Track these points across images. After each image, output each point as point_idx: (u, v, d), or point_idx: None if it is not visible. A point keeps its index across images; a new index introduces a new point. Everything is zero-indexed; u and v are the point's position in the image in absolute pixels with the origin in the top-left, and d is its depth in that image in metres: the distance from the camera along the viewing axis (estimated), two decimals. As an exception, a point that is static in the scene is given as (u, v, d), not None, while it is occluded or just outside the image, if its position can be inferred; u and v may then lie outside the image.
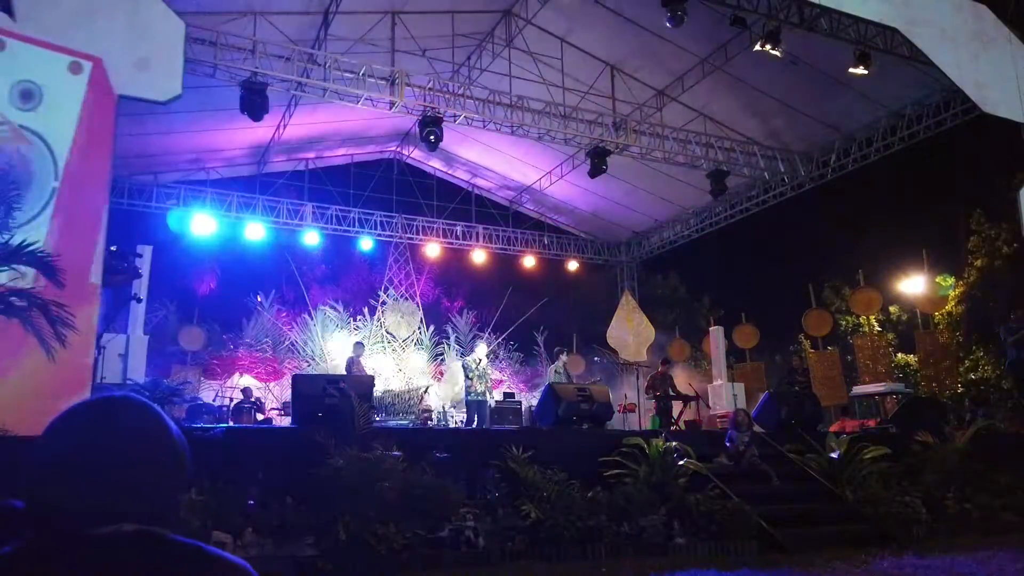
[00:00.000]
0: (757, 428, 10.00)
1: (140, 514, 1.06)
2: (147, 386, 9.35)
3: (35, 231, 6.62)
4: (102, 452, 1.07)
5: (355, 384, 8.37)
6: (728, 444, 9.02)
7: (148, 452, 1.10)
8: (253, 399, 12.88)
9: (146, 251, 11.46)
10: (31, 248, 5.61)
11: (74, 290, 6.47)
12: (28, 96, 6.84)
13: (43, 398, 6.55)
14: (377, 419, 10.36)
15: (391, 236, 18.64)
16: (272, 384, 15.74)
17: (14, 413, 5.96)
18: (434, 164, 19.58)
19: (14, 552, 1.03)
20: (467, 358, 12.28)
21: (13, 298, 5.49)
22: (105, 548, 1.02)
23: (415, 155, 19.33)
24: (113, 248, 8.41)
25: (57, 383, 6.56)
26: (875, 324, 19.46)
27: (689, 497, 7.48)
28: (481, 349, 12.31)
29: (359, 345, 13.61)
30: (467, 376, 11.77)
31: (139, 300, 11.01)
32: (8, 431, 5.85)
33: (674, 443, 8.23)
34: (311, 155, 18.20)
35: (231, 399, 13.08)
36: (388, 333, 17.48)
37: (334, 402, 7.70)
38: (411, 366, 17.02)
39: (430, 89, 13.18)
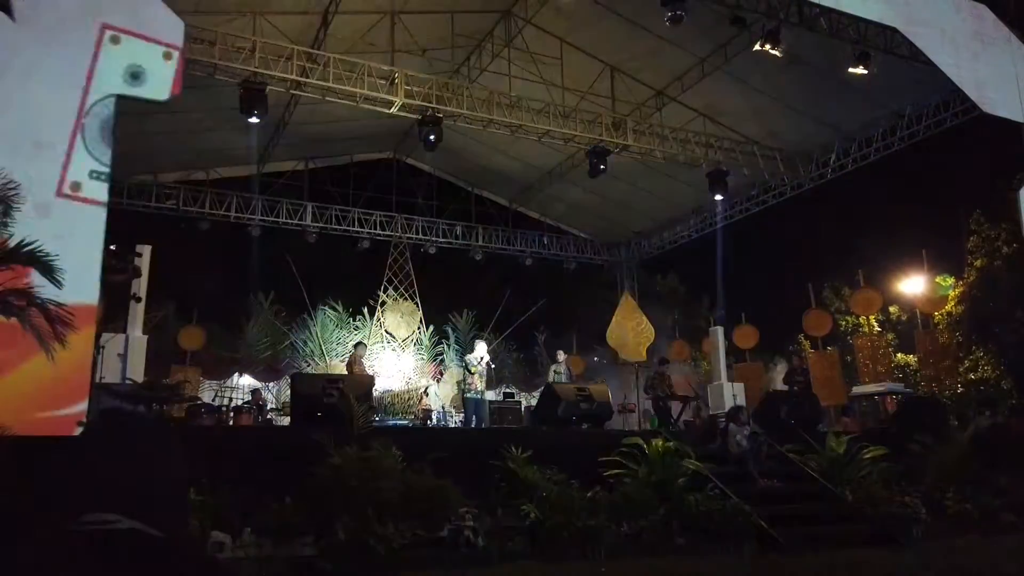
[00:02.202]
0: (755, 428, 10.01)
1: (136, 515, 1.11)
2: (146, 386, 9.34)
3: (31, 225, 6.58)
4: (108, 457, 1.12)
5: (354, 384, 8.37)
6: (725, 440, 9.07)
7: (149, 462, 1.16)
8: (260, 401, 12.90)
9: (145, 250, 11.43)
10: (29, 247, 5.59)
11: (73, 288, 6.45)
12: (137, 77, 7.49)
13: (41, 398, 6.54)
14: (376, 419, 10.37)
15: (391, 236, 18.64)
16: (271, 384, 15.74)
17: (12, 413, 5.95)
18: (434, 164, 19.57)
19: (20, 552, 1.07)
20: (469, 355, 12.11)
21: (11, 297, 5.48)
22: (102, 544, 1.07)
23: (415, 155, 19.32)
24: (113, 247, 8.40)
25: (56, 383, 6.54)
26: (875, 324, 19.46)
27: (689, 497, 7.47)
28: (481, 347, 12.19)
29: (360, 345, 13.60)
30: (469, 371, 11.61)
31: (138, 299, 10.98)
32: (7, 431, 5.83)
33: (673, 443, 8.22)
34: (311, 155, 18.20)
35: (230, 399, 13.08)
36: (388, 333, 17.48)
37: (333, 402, 7.69)
38: (410, 366, 17.03)
39: (429, 89, 13.18)
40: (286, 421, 11.85)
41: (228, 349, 16.28)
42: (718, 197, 15.87)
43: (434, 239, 19.03)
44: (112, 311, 10.36)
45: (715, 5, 11.07)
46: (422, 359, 17.54)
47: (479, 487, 7.27)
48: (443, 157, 18.60)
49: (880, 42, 11.53)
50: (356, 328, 17.17)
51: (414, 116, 13.55)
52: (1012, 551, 7.01)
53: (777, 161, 15.92)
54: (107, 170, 7.09)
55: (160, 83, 7.83)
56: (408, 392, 15.28)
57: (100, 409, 6.21)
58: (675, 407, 12.97)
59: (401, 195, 19.19)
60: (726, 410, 10.53)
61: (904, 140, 14.22)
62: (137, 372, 10.70)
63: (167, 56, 7.93)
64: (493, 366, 11.65)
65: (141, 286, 11.19)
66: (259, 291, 17.07)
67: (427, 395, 14.83)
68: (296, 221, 17.58)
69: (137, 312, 11.98)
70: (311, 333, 16.52)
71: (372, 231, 18.37)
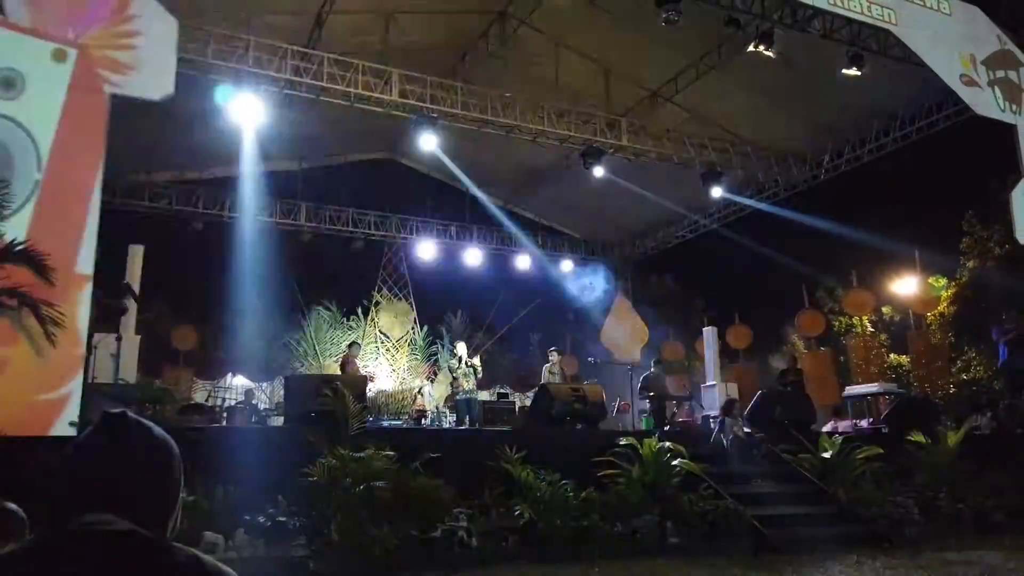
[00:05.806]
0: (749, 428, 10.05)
1: (134, 516, 1.12)
2: (139, 386, 9.31)
3: (17, 225, 6.52)
4: (108, 458, 1.16)
5: (349, 384, 8.34)
6: (720, 433, 9.14)
7: (149, 466, 1.19)
8: (254, 401, 12.86)
9: (137, 251, 11.40)
10: (22, 247, 5.56)
11: (62, 287, 6.40)
12: (9, 84, 6.67)
13: (35, 398, 6.50)
14: (370, 419, 10.34)
15: (385, 235, 18.61)
16: (264, 384, 15.69)
17: (4, 414, 5.91)
18: (428, 164, 19.53)
19: (16, 552, 1.10)
20: (451, 360, 12.26)
21: (3, 297, 5.45)
22: (100, 547, 1.07)
23: (409, 155, 19.27)
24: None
25: (48, 383, 6.50)
26: (868, 325, 19.54)
27: (682, 497, 7.49)
28: (461, 347, 12.25)
29: (354, 345, 13.56)
30: (452, 376, 11.74)
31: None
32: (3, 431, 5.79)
33: (667, 443, 8.23)
34: (305, 154, 18.13)
35: (224, 399, 13.04)
36: (382, 333, 17.44)
37: (327, 402, 7.67)
38: (404, 366, 16.99)
39: (424, 89, 13.15)
40: (280, 421, 11.81)
41: (221, 349, 16.22)
42: (712, 197, 15.89)
43: (429, 239, 18.98)
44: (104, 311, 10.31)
45: (709, 6, 11.08)
46: (416, 359, 17.51)
47: (473, 488, 7.26)
48: (437, 157, 18.57)
49: (873, 43, 11.56)
50: (350, 328, 17.11)
51: (409, 116, 13.52)
52: (1005, 551, 7.04)
53: (771, 162, 15.96)
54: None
55: (47, 91, 6.84)
56: (402, 392, 15.23)
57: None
58: (669, 407, 13.00)
59: (396, 194, 19.15)
60: (719, 409, 10.65)
61: (897, 141, 14.27)
62: (129, 372, 10.65)
63: (59, 56, 6.99)
64: (470, 362, 11.65)
65: (134, 286, 11.15)
66: (253, 291, 16.99)
67: (421, 395, 14.80)
68: (290, 220, 17.53)
69: (129, 312, 11.93)
70: (305, 333, 16.46)
71: (366, 231, 18.33)
